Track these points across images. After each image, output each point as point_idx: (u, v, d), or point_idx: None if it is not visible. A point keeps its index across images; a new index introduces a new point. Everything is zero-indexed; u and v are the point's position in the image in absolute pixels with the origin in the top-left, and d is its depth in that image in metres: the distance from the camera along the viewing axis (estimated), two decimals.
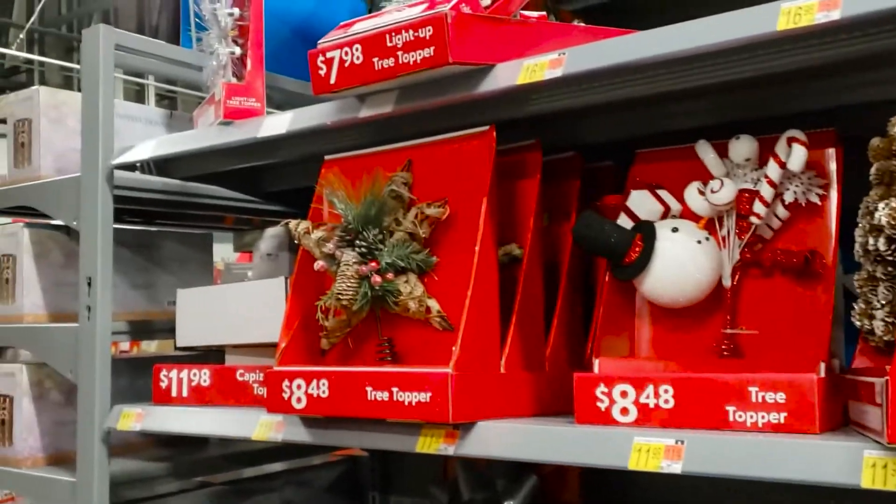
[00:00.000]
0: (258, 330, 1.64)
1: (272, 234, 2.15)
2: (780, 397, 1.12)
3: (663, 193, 1.38)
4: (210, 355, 1.84)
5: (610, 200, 1.42)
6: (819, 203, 1.29)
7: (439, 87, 1.39)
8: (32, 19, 8.26)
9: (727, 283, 1.31)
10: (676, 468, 1.09)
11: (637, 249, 1.29)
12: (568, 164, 1.55)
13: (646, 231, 1.30)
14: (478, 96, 1.37)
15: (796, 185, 1.30)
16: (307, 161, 1.77)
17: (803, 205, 1.29)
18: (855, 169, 1.28)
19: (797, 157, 1.23)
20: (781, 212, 1.30)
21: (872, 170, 1.08)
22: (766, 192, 1.28)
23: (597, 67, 1.26)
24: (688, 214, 1.35)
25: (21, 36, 8.09)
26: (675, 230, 1.30)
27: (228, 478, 2.36)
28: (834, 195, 1.28)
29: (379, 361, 1.39)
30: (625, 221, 1.38)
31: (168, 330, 2.02)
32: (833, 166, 1.30)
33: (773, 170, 1.27)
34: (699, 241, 1.29)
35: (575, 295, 1.48)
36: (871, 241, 1.05)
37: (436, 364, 1.26)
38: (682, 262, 1.28)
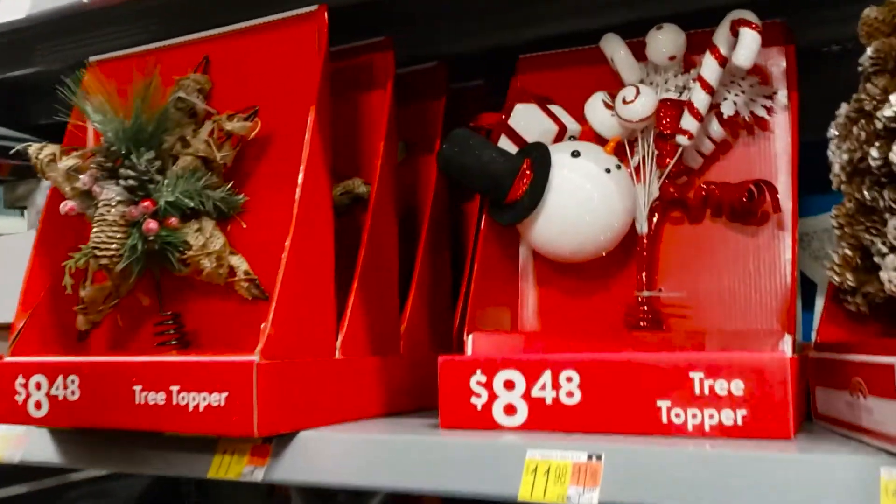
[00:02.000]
0: None
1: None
2: (737, 387, 0.77)
3: (556, 109, 1.01)
4: None
5: (486, 119, 1.04)
6: (767, 118, 0.95)
7: None
8: None
9: (642, 228, 0.96)
10: (591, 499, 0.73)
11: (525, 181, 0.92)
12: (430, 78, 1.16)
13: (537, 156, 0.93)
14: None
15: (735, 94, 0.95)
16: None
17: (746, 120, 0.95)
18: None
19: (747, 46, 0.87)
20: (716, 130, 0.95)
21: (869, 52, 0.74)
22: (699, 99, 0.92)
23: None
24: (589, 136, 0.99)
25: None
26: (575, 155, 0.93)
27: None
28: (785, 107, 0.95)
29: (158, 347, 0.97)
30: (507, 146, 1.01)
31: None
32: (783, 67, 0.96)
33: (709, 67, 0.92)
34: (608, 170, 0.93)
35: (440, 251, 1.10)
36: (874, 153, 0.71)
37: (241, 350, 0.85)
38: (585, 198, 0.91)
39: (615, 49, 0.98)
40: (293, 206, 0.91)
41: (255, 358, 0.83)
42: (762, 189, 0.91)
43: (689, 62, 0.97)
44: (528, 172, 0.92)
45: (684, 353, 0.80)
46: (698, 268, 0.96)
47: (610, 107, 0.98)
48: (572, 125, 1.01)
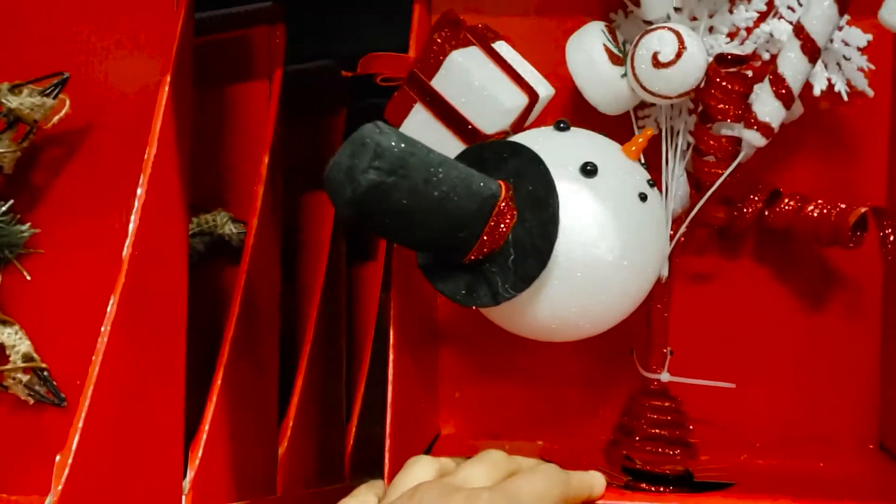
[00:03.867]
0: None
1: None
2: None
3: (513, 57, 0.57)
4: None
5: (387, 67, 0.57)
6: (869, 92, 0.58)
7: None
8: None
9: (661, 270, 0.58)
10: None
11: (503, 233, 0.49)
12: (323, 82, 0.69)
13: (524, 175, 0.50)
14: None
15: (832, 58, 0.57)
16: None
17: (843, 97, 0.57)
18: None
19: None
20: (793, 108, 0.57)
21: None
22: (796, 69, 0.51)
23: None
24: (567, 103, 0.57)
25: None
26: (589, 171, 0.51)
27: None
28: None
29: None
30: (428, 126, 0.56)
31: None
32: None
33: (818, 4, 0.52)
34: (643, 197, 0.52)
35: (334, 334, 0.67)
36: None
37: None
38: (618, 256, 0.51)
39: None
40: (123, 248, 0.51)
41: None
42: (871, 219, 0.56)
43: None
44: (508, 214, 0.49)
45: None
46: (736, 333, 0.62)
47: (617, 60, 0.56)
48: (543, 88, 0.57)
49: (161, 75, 0.55)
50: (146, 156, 0.52)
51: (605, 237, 0.51)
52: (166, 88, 0.53)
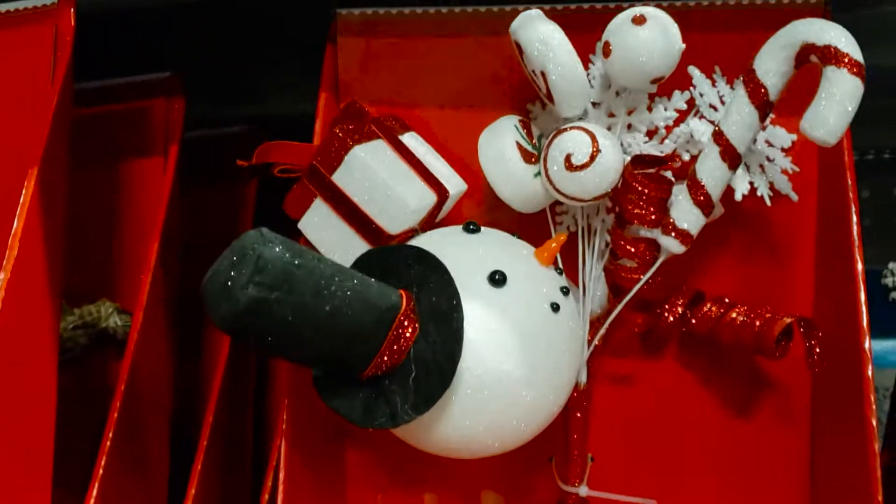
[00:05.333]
0: None
1: None
2: None
3: (421, 149, 0.54)
4: None
5: (287, 156, 0.53)
6: (793, 196, 0.55)
7: None
8: None
9: (579, 378, 0.55)
10: None
11: (404, 341, 0.46)
12: (232, 148, 0.63)
13: (426, 286, 0.46)
14: None
15: (754, 156, 0.54)
16: None
17: (767, 201, 0.55)
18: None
19: (838, 104, 0.45)
20: (714, 209, 0.54)
21: None
22: (716, 176, 0.49)
23: None
24: (479, 198, 0.54)
25: None
26: (497, 280, 0.48)
27: None
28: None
29: None
30: (341, 232, 0.52)
31: None
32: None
33: (739, 114, 0.48)
34: (554, 307, 0.49)
35: (237, 438, 0.63)
36: None
37: None
38: (526, 375, 0.47)
39: (540, 35, 0.51)
40: None
41: None
42: (798, 330, 0.53)
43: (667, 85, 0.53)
44: (409, 320, 0.46)
45: None
46: (661, 442, 0.58)
47: (531, 158, 0.53)
48: (456, 184, 0.54)
49: (30, 162, 0.50)
50: (10, 243, 0.48)
51: (513, 353, 0.47)
52: (34, 170, 0.49)
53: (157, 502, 0.58)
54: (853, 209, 0.52)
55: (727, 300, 0.55)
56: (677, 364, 0.59)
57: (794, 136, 0.54)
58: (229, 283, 0.41)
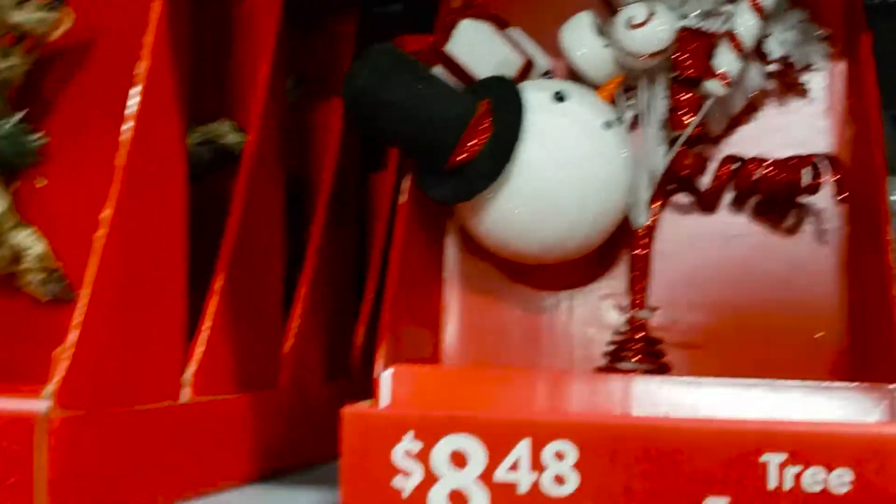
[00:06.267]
0: None
1: None
2: (840, 481, 0.48)
3: (517, 35, 0.69)
4: None
5: (410, 45, 0.70)
6: (825, 67, 0.66)
7: None
8: None
9: (639, 219, 0.65)
10: None
11: (482, 134, 0.59)
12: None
13: (500, 96, 0.60)
14: None
15: (782, 31, 0.66)
16: None
17: (798, 67, 0.66)
18: None
19: None
20: (756, 79, 0.65)
21: None
22: (748, 26, 0.62)
23: None
24: (566, 77, 0.68)
25: None
26: (559, 97, 0.61)
27: None
28: (848, 55, 0.66)
29: None
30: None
31: None
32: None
33: None
34: (607, 124, 0.61)
35: (342, 238, 0.77)
36: None
37: (21, 390, 0.50)
38: (577, 165, 0.60)
39: None
40: (120, 157, 0.55)
41: (42, 406, 0.47)
42: (824, 167, 0.63)
43: None
44: (486, 120, 0.60)
45: (752, 423, 0.50)
46: (714, 279, 0.67)
47: (603, 33, 0.67)
48: (542, 59, 0.69)
49: None
50: (139, 66, 0.56)
51: (572, 148, 0.60)
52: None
53: (272, 293, 0.68)
54: None
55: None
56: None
57: None
58: (355, 69, 0.57)
